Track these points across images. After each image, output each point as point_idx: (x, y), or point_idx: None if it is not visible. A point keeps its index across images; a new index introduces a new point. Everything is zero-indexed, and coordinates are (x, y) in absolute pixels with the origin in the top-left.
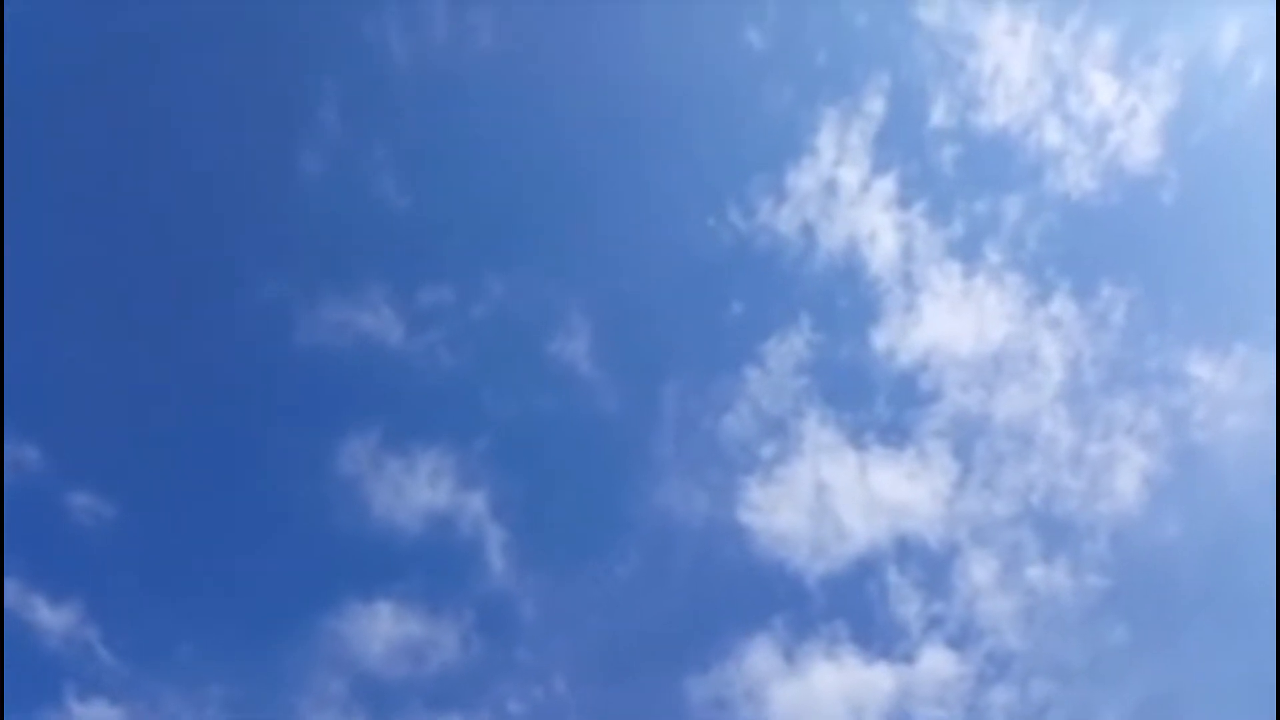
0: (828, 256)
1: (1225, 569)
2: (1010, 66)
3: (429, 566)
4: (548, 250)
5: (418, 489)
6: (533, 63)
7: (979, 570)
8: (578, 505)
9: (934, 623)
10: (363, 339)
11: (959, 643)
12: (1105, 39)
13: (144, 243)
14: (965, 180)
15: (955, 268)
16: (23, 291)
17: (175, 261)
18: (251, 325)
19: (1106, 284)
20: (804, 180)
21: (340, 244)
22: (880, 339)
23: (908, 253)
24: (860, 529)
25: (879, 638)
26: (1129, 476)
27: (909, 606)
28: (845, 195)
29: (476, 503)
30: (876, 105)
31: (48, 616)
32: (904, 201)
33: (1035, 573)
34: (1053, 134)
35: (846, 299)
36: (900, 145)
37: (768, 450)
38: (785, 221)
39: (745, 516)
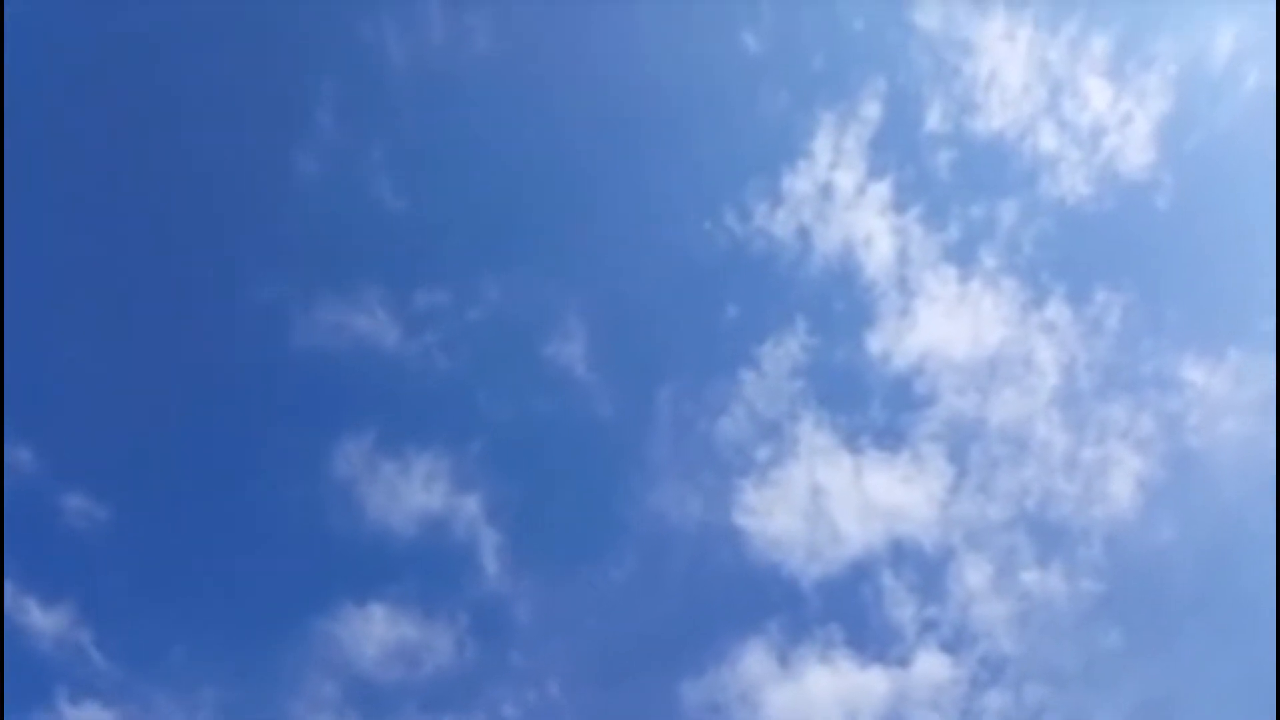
0: (823, 260)
1: (1219, 574)
2: (1006, 72)
3: (423, 569)
4: (544, 253)
5: (412, 491)
6: (529, 65)
7: (974, 574)
8: (573, 508)
9: (928, 627)
10: (358, 341)
11: (953, 647)
12: (1100, 45)
13: (139, 244)
14: (960, 185)
15: (950, 272)
16: (17, 292)
17: (171, 263)
18: (247, 327)
19: (1101, 289)
20: (800, 184)
21: (336, 246)
22: (875, 343)
23: (903, 257)
24: (855, 532)
25: (873, 641)
26: (1123, 481)
27: (903, 610)
28: (841, 199)
29: (471, 505)
30: (872, 109)
31: (40, 619)
32: (899, 206)
33: (1030, 577)
34: (1048, 139)
35: (842, 302)
36: (896, 150)
37: (763, 453)
38: (781, 225)
39: (740, 519)
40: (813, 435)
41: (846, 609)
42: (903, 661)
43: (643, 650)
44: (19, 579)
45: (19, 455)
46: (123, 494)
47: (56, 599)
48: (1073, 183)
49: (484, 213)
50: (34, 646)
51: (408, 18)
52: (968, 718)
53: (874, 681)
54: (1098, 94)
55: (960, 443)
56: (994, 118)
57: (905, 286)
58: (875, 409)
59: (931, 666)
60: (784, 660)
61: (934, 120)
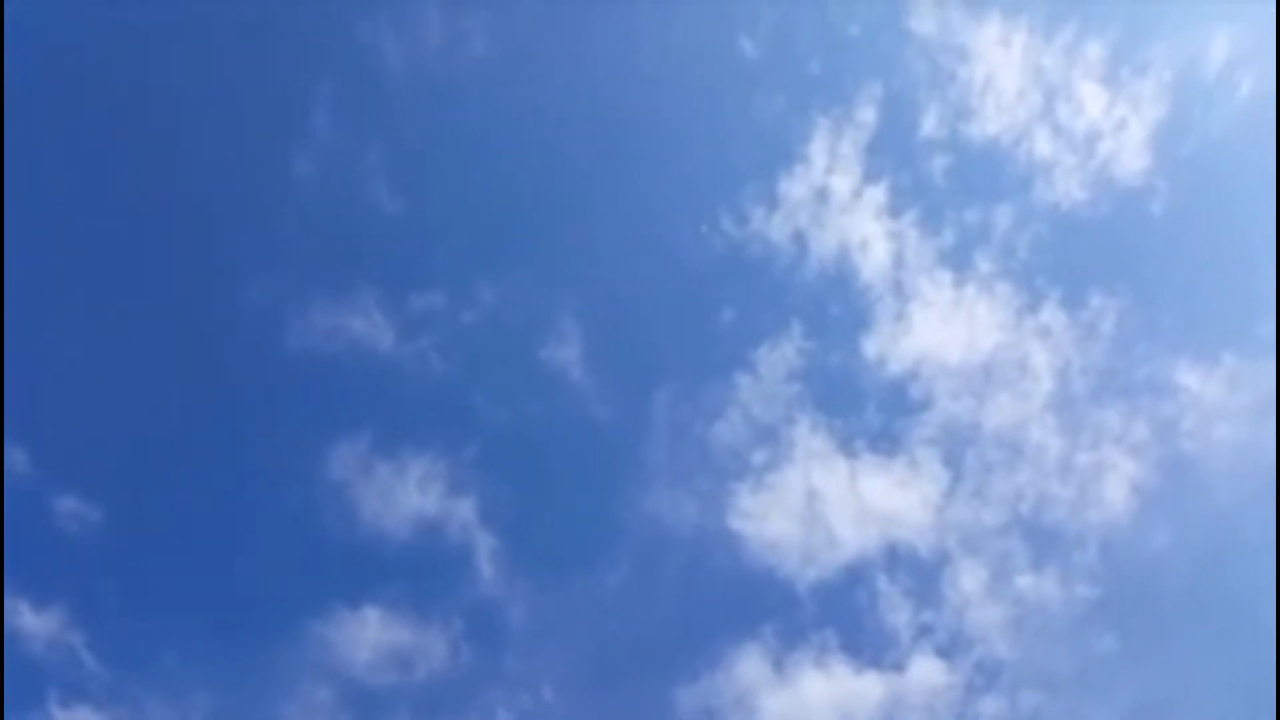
0: (819, 264)
1: (1214, 579)
2: (1001, 77)
3: (417, 573)
4: (540, 256)
5: (407, 494)
6: (526, 69)
7: (968, 579)
8: (568, 512)
9: (923, 631)
10: (354, 343)
11: (948, 652)
12: (1095, 50)
13: (135, 245)
14: (956, 190)
15: (946, 277)
16: (11, 293)
17: (166, 264)
18: (242, 329)
19: (1096, 294)
20: (796, 188)
21: (332, 248)
22: (871, 347)
23: (899, 261)
24: (850, 537)
25: (868, 646)
26: (1118, 486)
27: (898, 615)
28: (837, 203)
29: (466, 509)
30: (868, 114)
31: (32, 621)
32: (895, 210)
33: (1024, 582)
34: (1043, 144)
35: (838, 307)
36: (891, 154)
37: (758, 457)
38: (777, 229)
39: (736, 523)
40: (808, 439)
41: (842, 613)
42: (898, 666)
43: (637, 655)
44: (11, 581)
45: (13, 457)
46: (116, 496)
47: (49, 601)
48: (1068, 188)
49: (480, 215)
50: (26, 649)
51: (405, 20)
52: None
53: (869, 687)
54: (1093, 99)
55: (955, 447)
56: (989, 123)
57: (900, 291)
58: (870, 413)
59: (926, 671)
60: (779, 665)
61: (929, 125)
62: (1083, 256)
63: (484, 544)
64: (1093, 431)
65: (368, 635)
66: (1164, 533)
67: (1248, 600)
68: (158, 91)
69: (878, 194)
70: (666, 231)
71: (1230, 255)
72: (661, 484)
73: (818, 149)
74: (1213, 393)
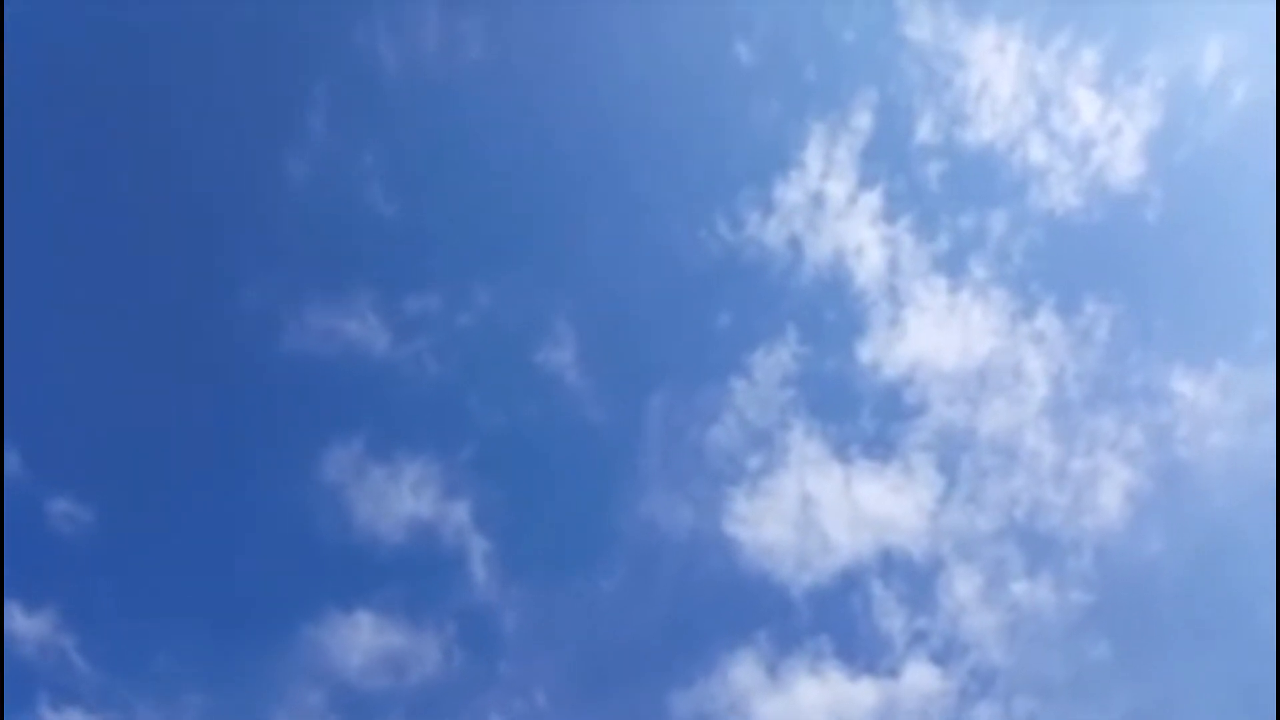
0: (814, 269)
1: (1208, 585)
2: (996, 83)
3: (411, 576)
4: (535, 259)
5: (401, 498)
6: (522, 72)
7: (963, 585)
8: (562, 516)
9: (918, 637)
10: (349, 346)
11: (943, 658)
12: (1090, 57)
13: (130, 247)
14: (951, 195)
15: (940, 282)
16: (6, 294)
17: (161, 266)
18: (237, 331)
19: (1090, 300)
20: (791, 193)
21: (327, 250)
22: (866, 352)
23: (894, 266)
24: (845, 542)
25: (863, 652)
26: (1112, 492)
27: (893, 621)
28: (832, 208)
29: (460, 512)
30: (864, 120)
31: (23, 624)
32: (890, 216)
33: (1019, 588)
34: (1037, 150)
35: (833, 312)
36: (887, 160)
37: (753, 462)
38: (772, 234)
39: (730, 528)
40: (803, 444)
41: (836, 619)
42: (892, 672)
43: (632, 660)
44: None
45: (6, 458)
46: (109, 498)
47: (40, 604)
48: (1062, 194)
49: (476, 218)
50: (16, 652)
51: (401, 23)
52: None
53: (863, 693)
54: (1087, 106)
55: (950, 453)
56: (984, 129)
57: (895, 296)
58: (865, 418)
59: (921, 678)
60: (773, 671)
61: (925, 131)
62: (1077, 263)
63: (478, 548)
64: (1088, 438)
65: (361, 639)
66: (1159, 539)
67: (1244, 607)
68: (154, 93)
69: (873, 199)
70: (662, 235)
71: (1225, 262)
72: (656, 488)
73: (813, 154)
74: (1207, 399)
